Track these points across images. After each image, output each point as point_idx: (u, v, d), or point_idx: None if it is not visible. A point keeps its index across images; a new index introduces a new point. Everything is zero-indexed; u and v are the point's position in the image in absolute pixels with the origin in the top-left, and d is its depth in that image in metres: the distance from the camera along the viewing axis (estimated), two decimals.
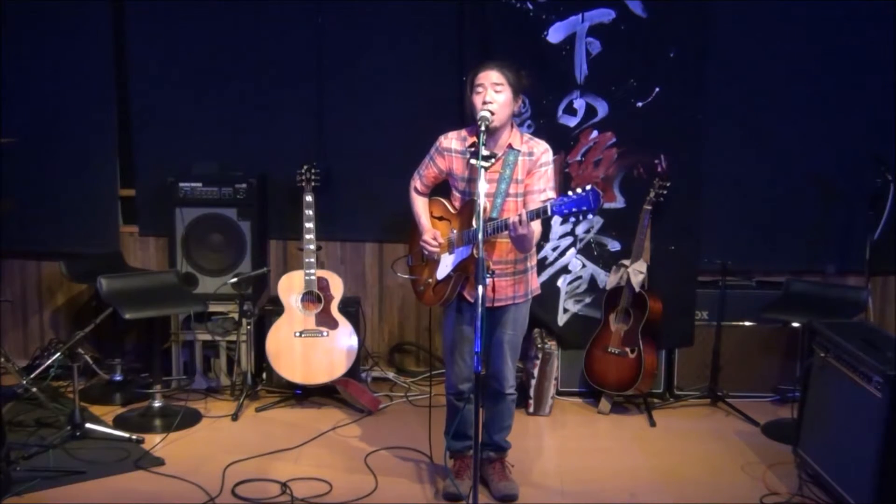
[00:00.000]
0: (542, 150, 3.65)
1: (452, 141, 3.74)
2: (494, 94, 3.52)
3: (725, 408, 4.85)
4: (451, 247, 3.71)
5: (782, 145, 4.96)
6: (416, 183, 3.88)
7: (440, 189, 3.89)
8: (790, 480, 3.94)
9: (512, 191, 3.61)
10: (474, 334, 3.15)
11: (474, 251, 3.42)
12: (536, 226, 3.54)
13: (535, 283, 3.81)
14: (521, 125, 4.79)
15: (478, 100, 3.53)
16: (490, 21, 4.82)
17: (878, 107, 4.84)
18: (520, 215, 3.38)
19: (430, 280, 3.78)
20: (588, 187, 3.22)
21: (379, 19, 5.04)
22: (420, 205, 3.87)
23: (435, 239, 3.73)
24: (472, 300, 3.56)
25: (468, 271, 3.59)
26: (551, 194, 3.57)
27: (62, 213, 5.22)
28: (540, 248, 4.83)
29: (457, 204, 3.76)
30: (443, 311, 3.84)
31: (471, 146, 3.62)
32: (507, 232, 3.45)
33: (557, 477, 4.06)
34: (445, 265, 3.71)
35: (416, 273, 3.93)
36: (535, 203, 3.56)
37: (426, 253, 3.76)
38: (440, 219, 3.81)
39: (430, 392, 4.38)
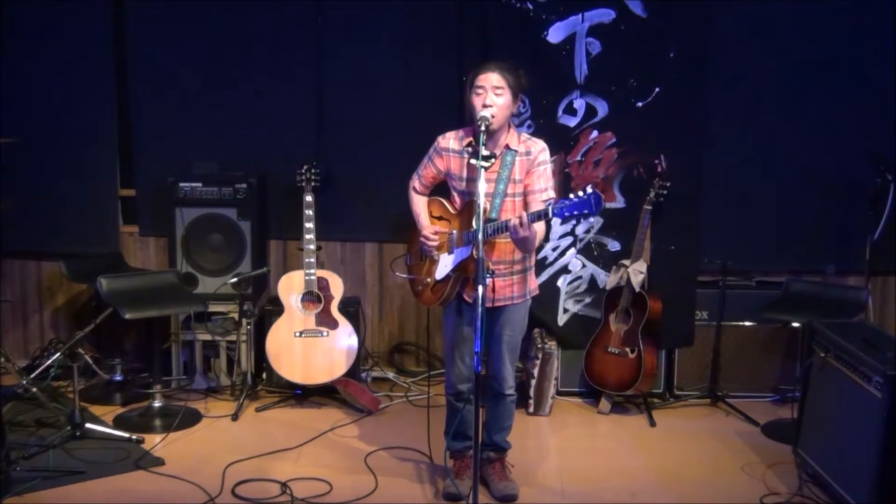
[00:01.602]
0: (540, 150, 3.64)
1: (451, 141, 3.74)
2: (495, 97, 3.51)
3: (725, 408, 4.85)
4: (450, 247, 3.71)
5: (782, 145, 4.96)
6: (415, 183, 3.88)
7: (439, 189, 3.89)
8: (790, 480, 3.94)
9: (510, 191, 3.61)
10: (474, 335, 3.15)
11: (474, 251, 3.42)
12: (539, 226, 3.54)
13: (533, 283, 3.81)
14: (520, 125, 4.79)
15: (478, 101, 3.53)
16: (490, 21, 4.81)
17: (878, 107, 4.84)
18: (520, 218, 3.38)
19: (429, 280, 3.78)
20: (589, 190, 3.23)
21: (379, 19, 5.04)
22: (419, 204, 3.88)
23: (435, 234, 3.73)
24: (471, 301, 3.56)
25: (468, 271, 3.59)
26: (552, 193, 3.57)
27: (62, 213, 5.22)
28: (540, 248, 4.81)
29: (456, 204, 3.76)
30: (443, 311, 3.84)
31: (468, 146, 3.63)
32: (507, 234, 3.45)
33: (557, 477, 4.06)
34: (445, 265, 3.71)
35: (414, 272, 3.93)
36: (536, 203, 3.56)
37: (426, 249, 3.76)
38: (439, 218, 3.81)
39: (429, 392, 4.38)
